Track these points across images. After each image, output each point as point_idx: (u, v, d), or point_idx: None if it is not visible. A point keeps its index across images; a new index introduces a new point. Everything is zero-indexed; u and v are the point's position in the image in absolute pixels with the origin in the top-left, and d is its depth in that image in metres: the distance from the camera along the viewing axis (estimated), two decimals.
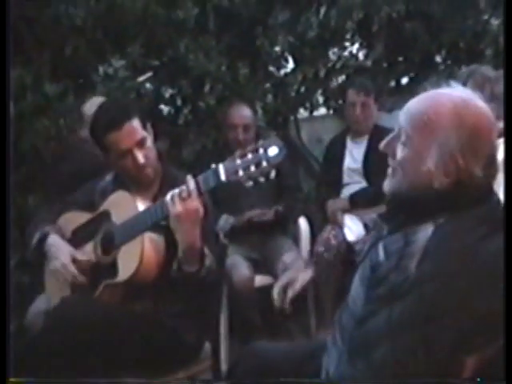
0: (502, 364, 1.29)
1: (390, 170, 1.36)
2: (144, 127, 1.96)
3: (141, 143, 1.93)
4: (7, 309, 1.50)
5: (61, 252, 1.99)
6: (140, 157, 1.92)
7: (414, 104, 1.33)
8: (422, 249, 1.22)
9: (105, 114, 1.99)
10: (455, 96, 1.30)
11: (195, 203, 1.74)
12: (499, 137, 2.53)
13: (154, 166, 1.99)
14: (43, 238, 2.04)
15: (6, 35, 1.64)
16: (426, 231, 1.24)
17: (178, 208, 1.73)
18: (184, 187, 1.75)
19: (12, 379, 1.47)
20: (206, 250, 1.85)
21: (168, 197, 1.77)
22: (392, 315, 1.20)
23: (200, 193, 1.75)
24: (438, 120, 1.27)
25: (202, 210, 1.76)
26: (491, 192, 1.33)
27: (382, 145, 1.37)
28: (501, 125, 2.50)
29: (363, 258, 1.39)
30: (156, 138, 2.05)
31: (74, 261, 1.96)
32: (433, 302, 1.19)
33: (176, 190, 1.76)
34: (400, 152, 1.32)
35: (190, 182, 1.75)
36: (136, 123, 1.93)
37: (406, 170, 1.31)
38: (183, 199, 1.74)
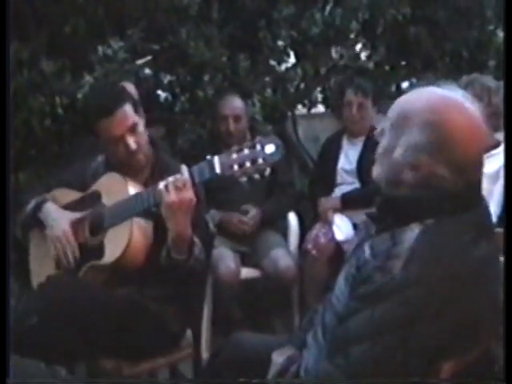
0: (479, 369, 1.30)
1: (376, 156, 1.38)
2: (136, 112, 1.94)
3: (133, 129, 1.91)
4: (7, 309, 1.49)
5: (62, 219, 1.98)
6: (132, 143, 1.91)
7: (400, 99, 1.35)
8: (408, 250, 1.22)
9: (96, 101, 1.97)
10: (436, 93, 1.30)
11: (189, 193, 1.74)
12: (493, 148, 2.54)
13: (146, 152, 1.97)
14: (40, 205, 2.02)
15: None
16: (413, 232, 1.24)
17: (171, 197, 1.73)
18: (178, 176, 1.74)
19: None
20: (196, 239, 1.85)
21: (162, 185, 1.76)
22: (374, 315, 1.20)
23: (194, 183, 1.74)
24: (411, 114, 1.28)
25: (194, 201, 1.75)
26: (479, 198, 1.33)
27: (375, 132, 1.38)
28: (499, 136, 2.51)
29: (349, 257, 1.39)
30: (152, 124, 2.03)
31: (73, 228, 1.96)
32: (416, 305, 1.19)
33: (170, 179, 1.75)
34: (381, 142, 1.34)
35: (185, 172, 1.75)
36: (128, 108, 1.91)
37: (381, 160, 1.33)
38: (177, 189, 1.73)
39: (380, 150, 1.34)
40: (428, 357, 1.21)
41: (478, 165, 1.29)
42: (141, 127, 1.95)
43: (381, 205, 1.36)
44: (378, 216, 1.36)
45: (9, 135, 1.63)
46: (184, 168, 1.76)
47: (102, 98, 1.95)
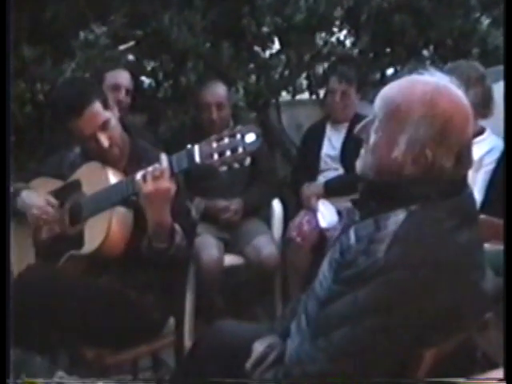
0: (459, 361, 1.31)
1: (362, 152, 1.36)
2: (106, 107, 1.91)
3: (104, 126, 1.89)
4: (7, 310, 1.48)
5: (36, 199, 1.98)
6: (104, 140, 1.89)
7: (387, 90, 1.33)
8: (391, 234, 1.22)
9: (64, 100, 1.92)
10: (429, 83, 1.29)
11: (167, 183, 1.73)
12: (477, 134, 2.54)
13: (120, 144, 1.96)
14: (16, 195, 2.01)
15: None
16: (397, 217, 1.25)
17: (149, 187, 1.72)
18: (157, 166, 1.73)
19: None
20: (177, 228, 1.84)
21: (139, 175, 1.75)
22: (357, 298, 1.21)
23: (172, 173, 1.73)
24: (408, 109, 1.26)
25: (173, 190, 1.75)
26: (464, 185, 1.33)
27: (356, 129, 1.37)
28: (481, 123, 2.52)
29: (333, 243, 1.38)
30: (134, 111, 2.01)
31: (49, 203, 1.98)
32: (398, 288, 1.20)
33: (149, 169, 1.74)
34: (372, 137, 1.32)
35: (164, 161, 1.73)
36: (97, 106, 1.88)
37: (376, 155, 1.31)
38: (155, 178, 1.72)
39: (370, 145, 1.31)
40: (409, 342, 1.22)
41: (469, 149, 1.30)
42: (113, 122, 1.92)
43: (364, 190, 1.36)
44: (362, 202, 1.36)
45: (9, 134, 1.61)
46: (163, 157, 1.74)
47: (69, 98, 1.89)
